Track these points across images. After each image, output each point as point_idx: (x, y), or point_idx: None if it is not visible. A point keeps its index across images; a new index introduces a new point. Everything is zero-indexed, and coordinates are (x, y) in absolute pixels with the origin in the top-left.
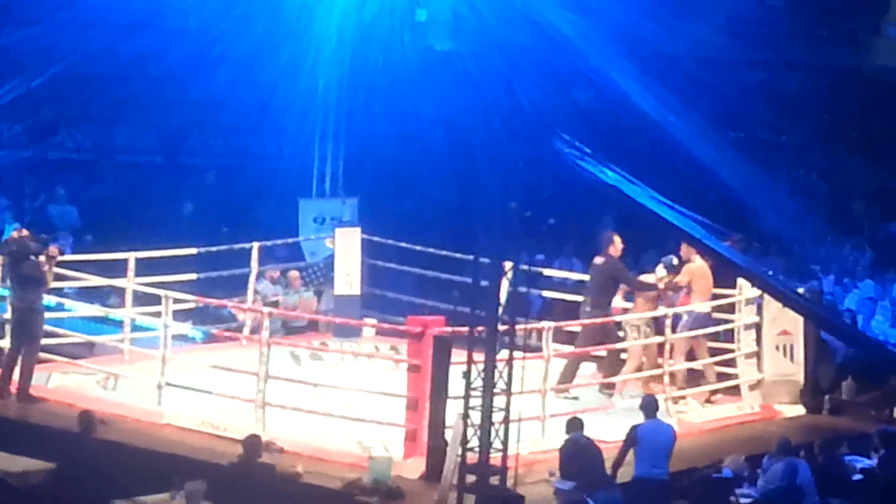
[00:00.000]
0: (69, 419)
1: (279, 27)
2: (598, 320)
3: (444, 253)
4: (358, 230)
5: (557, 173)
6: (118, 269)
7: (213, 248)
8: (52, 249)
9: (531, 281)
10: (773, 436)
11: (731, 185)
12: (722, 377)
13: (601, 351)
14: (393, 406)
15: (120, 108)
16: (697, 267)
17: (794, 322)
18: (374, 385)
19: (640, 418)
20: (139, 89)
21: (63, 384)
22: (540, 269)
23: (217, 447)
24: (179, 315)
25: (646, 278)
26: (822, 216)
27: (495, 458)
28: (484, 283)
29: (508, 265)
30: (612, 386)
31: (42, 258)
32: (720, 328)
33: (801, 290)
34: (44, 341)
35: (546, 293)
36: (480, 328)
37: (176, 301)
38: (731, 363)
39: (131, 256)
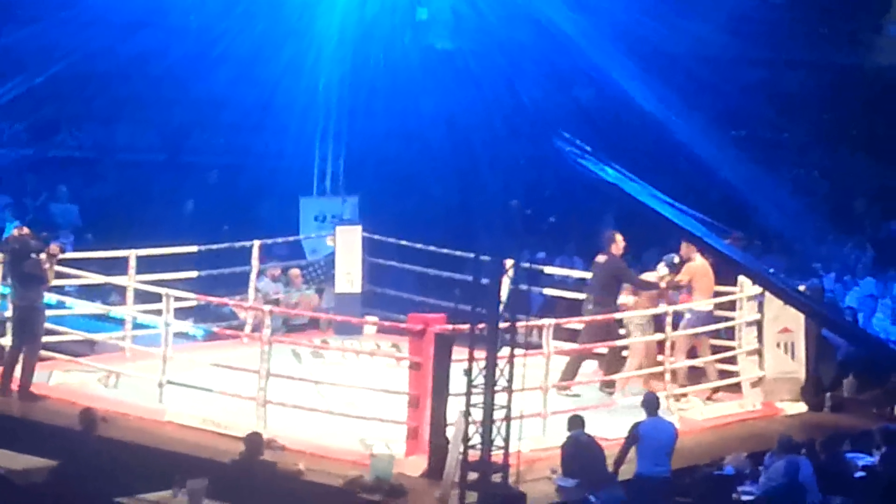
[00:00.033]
0: (71, 417)
1: (280, 26)
2: (599, 317)
3: (445, 251)
4: (359, 228)
5: (558, 171)
6: (119, 267)
7: (215, 247)
8: (54, 247)
9: (532, 279)
10: (775, 433)
11: (732, 183)
12: (723, 375)
13: (602, 348)
14: (394, 404)
15: (121, 106)
16: (698, 265)
17: (796, 320)
18: (376, 383)
19: (641, 416)
20: (140, 88)
21: (64, 382)
22: (541, 267)
23: (219, 445)
24: (181, 313)
25: (647, 277)
26: (823, 214)
27: (497, 455)
28: (485, 280)
29: (509, 263)
30: (612, 384)
31: (43, 256)
32: (721, 326)
33: (802, 288)
34: (45, 339)
35: (547, 291)
36: (482, 326)
37: (177, 299)
38: (732, 361)
39: (132, 254)
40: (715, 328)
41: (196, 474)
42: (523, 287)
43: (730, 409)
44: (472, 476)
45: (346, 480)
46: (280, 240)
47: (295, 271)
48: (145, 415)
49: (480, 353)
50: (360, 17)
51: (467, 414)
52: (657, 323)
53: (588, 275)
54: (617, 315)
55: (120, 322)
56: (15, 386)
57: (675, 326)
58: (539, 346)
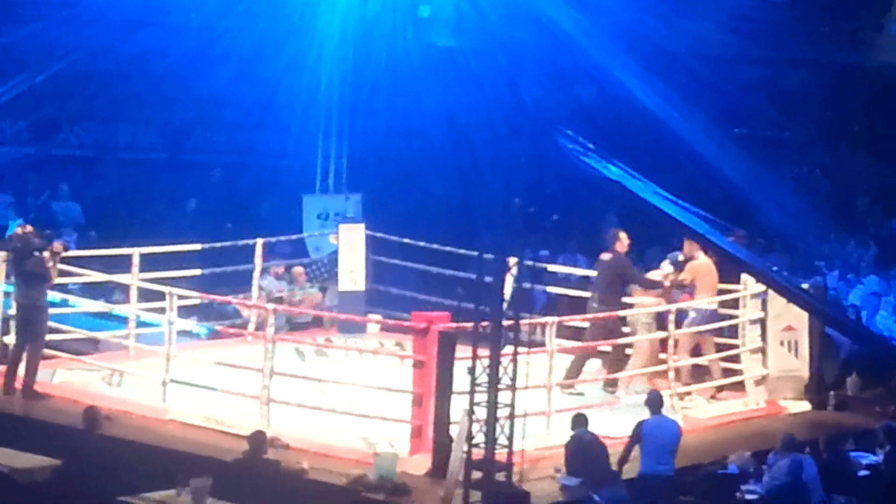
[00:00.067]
0: (74, 415)
1: (282, 24)
2: (602, 315)
3: (448, 249)
4: (362, 226)
5: (561, 169)
6: (122, 265)
7: (217, 245)
8: (56, 246)
9: (535, 277)
10: (779, 432)
11: (734, 181)
12: (727, 373)
13: (606, 347)
14: (398, 402)
15: (123, 105)
16: (701, 264)
17: (799, 318)
18: (379, 381)
19: (645, 414)
20: (142, 86)
21: (68, 380)
22: (544, 265)
23: (222, 443)
24: (184, 311)
25: (652, 275)
26: (825, 213)
27: (500, 454)
28: (488, 279)
29: (512, 261)
30: (616, 382)
31: (46, 254)
32: (725, 324)
33: (805, 286)
34: (48, 337)
35: (550, 289)
36: (485, 324)
37: (180, 297)
38: (735, 359)
39: (135, 252)
40: (718, 326)
41: (199, 473)
42: (526, 285)
43: (733, 408)
44: (476, 475)
45: (349, 479)
46: (283, 238)
47: (298, 269)
48: (149, 413)
49: (484, 352)
50: (362, 15)
51: (471, 412)
52: (660, 321)
53: (591, 273)
54: (621, 313)
55: (123, 320)
56: (18, 384)
57: (678, 325)
58: (542, 345)
